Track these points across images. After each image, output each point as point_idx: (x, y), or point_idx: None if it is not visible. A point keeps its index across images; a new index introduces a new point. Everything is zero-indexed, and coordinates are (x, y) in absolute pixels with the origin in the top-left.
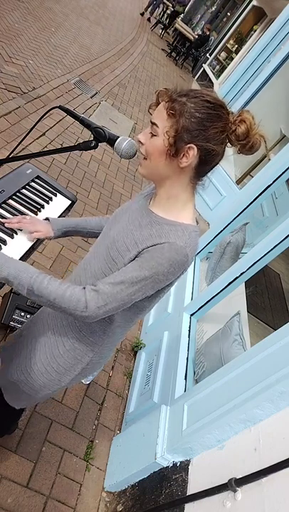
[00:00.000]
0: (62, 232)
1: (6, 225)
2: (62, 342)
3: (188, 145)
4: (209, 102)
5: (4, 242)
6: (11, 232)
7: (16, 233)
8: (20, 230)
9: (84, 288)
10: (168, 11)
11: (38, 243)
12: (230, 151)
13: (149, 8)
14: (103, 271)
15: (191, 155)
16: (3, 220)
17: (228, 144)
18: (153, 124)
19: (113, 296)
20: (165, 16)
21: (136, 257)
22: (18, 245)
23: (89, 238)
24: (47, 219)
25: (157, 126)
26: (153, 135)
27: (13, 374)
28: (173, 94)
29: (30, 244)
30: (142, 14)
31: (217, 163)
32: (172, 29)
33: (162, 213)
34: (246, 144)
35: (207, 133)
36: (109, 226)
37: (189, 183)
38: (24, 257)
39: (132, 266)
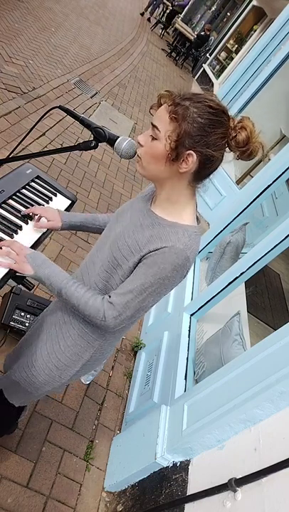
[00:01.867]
0: (70, 225)
1: (22, 212)
2: (63, 338)
3: (188, 151)
4: (212, 108)
5: None
6: (11, 232)
7: (16, 233)
8: (21, 229)
9: (103, 298)
10: (168, 11)
11: (42, 238)
12: (229, 155)
13: (149, 8)
14: (106, 270)
15: (191, 161)
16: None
17: (227, 149)
18: (154, 126)
19: (125, 305)
20: (165, 15)
21: (139, 261)
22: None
23: (94, 235)
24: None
25: (158, 130)
26: (153, 138)
27: (15, 373)
28: (176, 97)
29: (29, 245)
30: (142, 14)
31: (216, 169)
32: (172, 29)
33: (163, 214)
34: (246, 151)
35: (208, 139)
36: (110, 226)
37: (188, 185)
38: None
39: (137, 274)
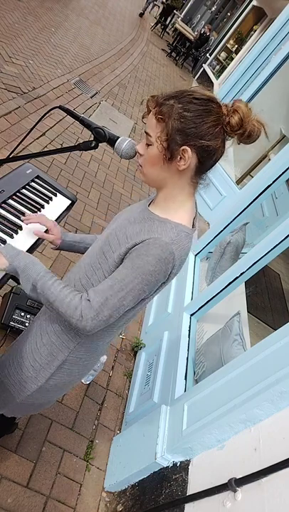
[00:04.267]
0: (68, 245)
1: (25, 221)
2: (40, 336)
3: (182, 147)
4: (196, 99)
5: (4, 242)
6: (11, 232)
7: (17, 233)
8: (21, 229)
9: (82, 296)
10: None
11: (38, 243)
12: (230, 151)
13: (148, 8)
14: (92, 265)
15: (187, 157)
16: (22, 218)
17: (228, 137)
18: (146, 134)
19: (104, 303)
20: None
21: (125, 255)
22: (18, 245)
23: None
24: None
25: (150, 136)
26: (148, 145)
27: (2, 368)
28: (159, 99)
29: (29, 244)
30: (141, 15)
31: (218, 159)
32: (172, 29)
33: (157, 211)
34: (243, 133)
35: (199, 130)
36: (107, 227)
37: (190, 182)
38: None
39: (120, 269)
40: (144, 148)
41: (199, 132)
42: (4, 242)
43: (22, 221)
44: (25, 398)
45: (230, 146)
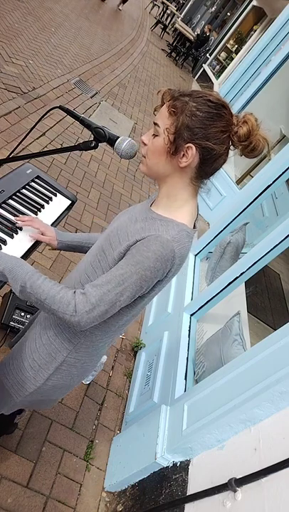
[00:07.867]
0: (66, 245)
1: (17, 223)
2: (40, 335)
3: (188, 144)
4: (211, 102)
5: (4, 242)
6: (11, 232)
7: (17, 233)
8: (21, 230)
9: (75, 292)
10: (168, 11)
11: (38, 243)
12: (231, 152)
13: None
14: (91, 263)
15: (190, 155)
16: (15, 219)
17: (231, 147)
18: (155, 124)
19: (100, 298)
20: (165, 16)
21: (125, 252)
22: (17, 245)
23: None
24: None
25: (158, 126)
26: (155, 135)
27: (2, 368)
28: (175, 93)
29: (29, 244)
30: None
31: (220, 166)
32: (172, 29)
33: (159, 211)
34: (248, 146)
35: (207, 131)
36: (108, 226)
37: (190, 183)
38: (24, 257)
39: (119, 264)
40: (150, 138)
41: (207, 134)
42: (4, 242)
43: (15, 222)
44: (24, 397)
45: (233, 156)
